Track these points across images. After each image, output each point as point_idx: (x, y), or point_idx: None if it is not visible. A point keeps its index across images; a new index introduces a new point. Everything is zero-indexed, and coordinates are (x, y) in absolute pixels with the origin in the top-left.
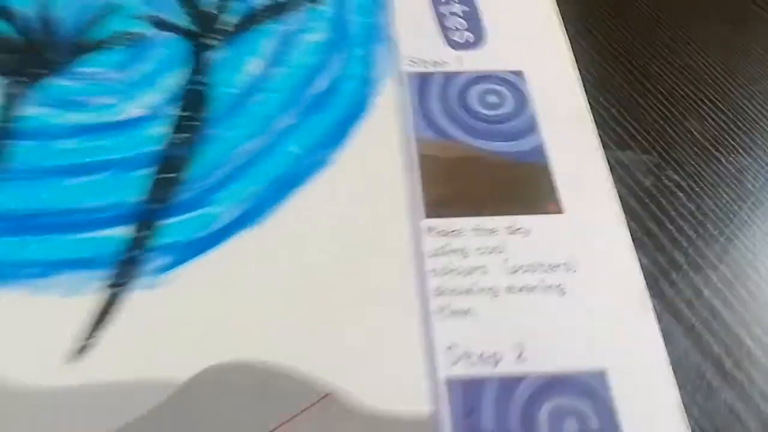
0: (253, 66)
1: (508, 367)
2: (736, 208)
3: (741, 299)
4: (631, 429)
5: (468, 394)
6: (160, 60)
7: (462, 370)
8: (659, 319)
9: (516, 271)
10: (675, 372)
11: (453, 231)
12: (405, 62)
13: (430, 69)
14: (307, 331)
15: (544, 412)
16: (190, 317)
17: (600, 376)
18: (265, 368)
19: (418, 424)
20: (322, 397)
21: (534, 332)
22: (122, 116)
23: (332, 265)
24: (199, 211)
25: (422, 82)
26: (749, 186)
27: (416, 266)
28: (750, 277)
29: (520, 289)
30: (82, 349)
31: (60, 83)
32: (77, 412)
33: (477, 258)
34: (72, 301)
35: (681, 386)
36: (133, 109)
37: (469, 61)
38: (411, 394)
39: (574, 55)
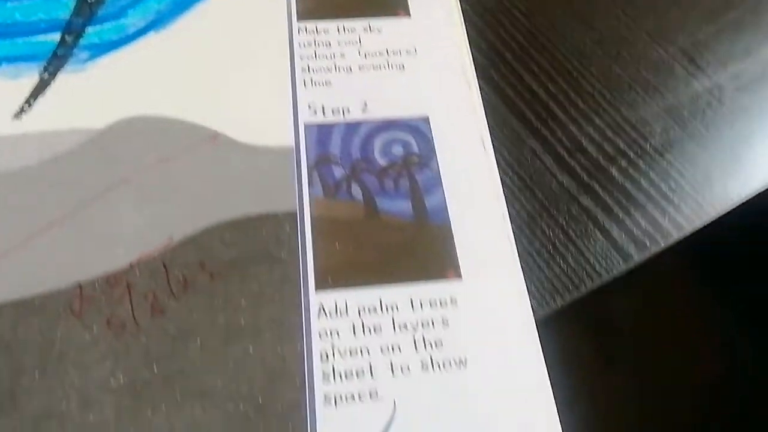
0: None
1: (353, 116)
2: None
3: (548, 72)
4: (443, 155)
5: (321, 133)
6: None
7: (317, 119)
8: (482, 90)
9: (367, 56)
10: (490, 129)
11: (321, 30)
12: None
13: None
14: (200, 93)
15: (378, 142)
16: (106, 89)
17: (424, 121)
18: (167, 119)
19: (284, 150)
20: (212, 137)
21: (376, 95)
22: None
23: (223, 53)
24: (116, 22)
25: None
26: None
27: (290, 53)
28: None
29: (369, 67)
30: (24, 109)
31: None
32: (19, 150)
33: (337, 48)
34: (16, 81)
35: (493, 135)
36: None
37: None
38: (279, 134)
39: None
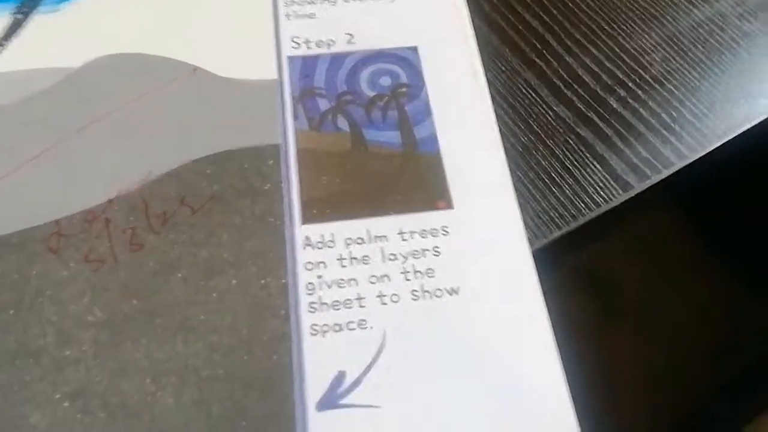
0: None
1: (339, 48)
2: None
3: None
4: (432, 85)
5: (305, 66)
6: None
7: (301, 52)
8: (474, 22)
9: None
10: (483, 62)
11: None
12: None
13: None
14: (178, 28)
15: (365, 73)
16: (82, 28)
17: (413, 51)
18: (145, 56)
19: (267, 84)
20: (194, 69)
21: (363, 26)
22: None
23: None
24: None
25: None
26: None
27: None
28: None
29: None
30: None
31: None
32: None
33: None
34: None
35: (486, 68)
36: None
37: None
38: (261, 67)
39: None
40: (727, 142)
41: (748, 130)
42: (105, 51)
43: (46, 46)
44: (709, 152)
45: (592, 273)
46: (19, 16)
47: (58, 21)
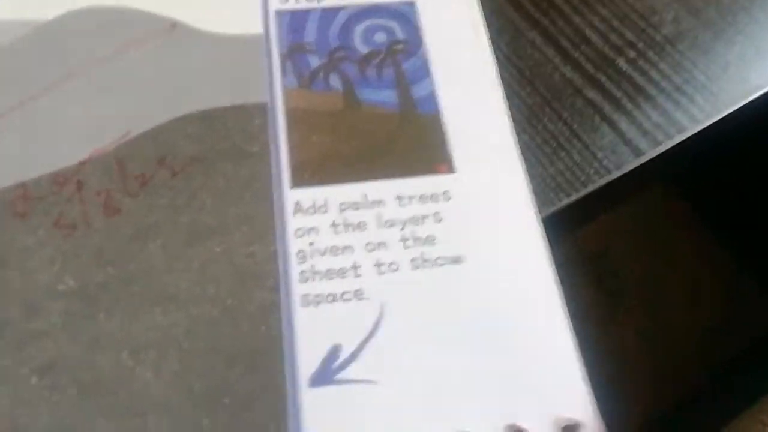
0: None
1: (330, 2)
2: None
3: None
4: (431, 42)
5: (294, 20)
6: None
7: (290, 6)
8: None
9: None
10: (486, 20)
11: None
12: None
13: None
14: None
15: (358, 28)
16: None
17: (410, 5)
18: (120, 9)
19: (253, 39)
20: (173, 24)
21: None
22: None
23: None
24: None
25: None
26: None
27: None
28: None
29: None
30: None
31: None
32: None
33: None
34: None
35: (489, 27)
36: None
37: None
38: (246, 21)
39: None
40: (742, 106)
41: (765, 94)
42: (77, 3)
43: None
44: (722, 118)
45: (589, 252)
46: None
47: None
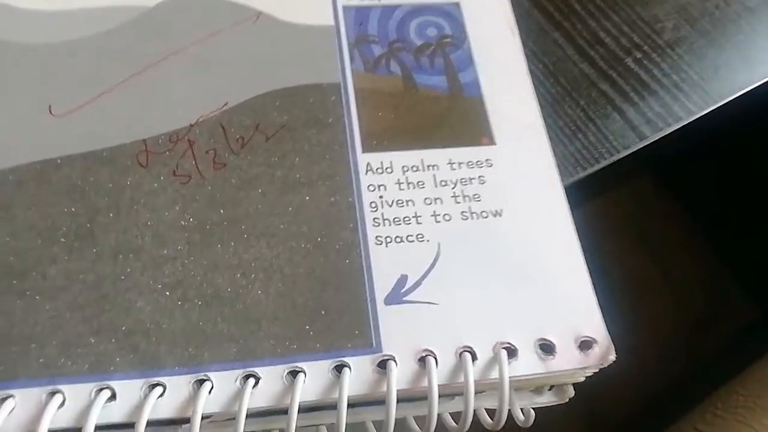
0: None
1: (388, 1)
2: None
3: None
4: (474, 37)
5: (359, 15)
6: None
7: (354, 2)
8: None
9: None
10: (517, 22)
11: None
12: None
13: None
14: None
15: (413, 24)
16: None
17: (456, 6)
18: (211, 0)
19: (325, 29)
20: (258, 14)
21: None
22: None
23: None
24: None
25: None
26: None
27: None
28: None
29: None
30: None
31: None
32: (73, 23)
33: None
34: None
35: (519, 27)
36: None
37: None
38: (319, 14)
39: None
40: (728, 102)
41: (747, 92)
42: None
43: None
44: (711, 111)
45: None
46: None
47: None
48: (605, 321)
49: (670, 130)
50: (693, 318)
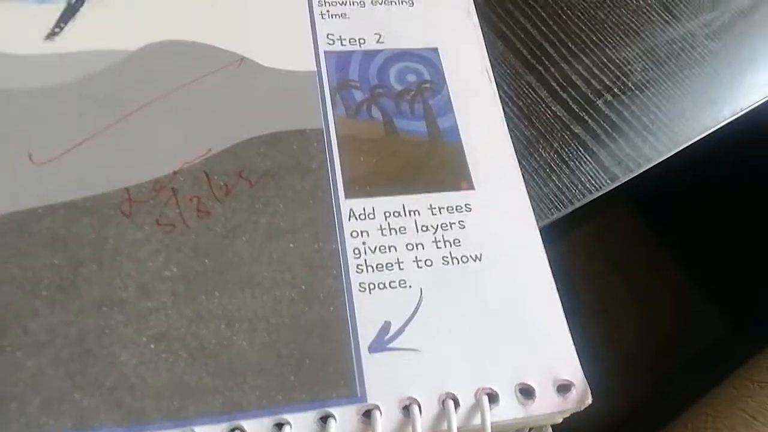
0: None
1: (369, 46)
2: None
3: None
4: (452, 83)
5: (340, 60)
6: None
7: (336, 48)
8: (483, 29)
9: None
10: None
11: None
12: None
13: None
14: (224, 20)
15: (393, 69)
16: (134, 16)
17: (434, 51)
18: (195, 44)
19: (307, 75)
20: (241, 59)
21: (389, 27)
22: None
23: None
24: None
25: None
26: None
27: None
28: None
29: (382, 2)
30: (55, 32)
31: None
32: (54, 68)
33: None
34: (41, 6)
35: (493, 70)
36: None
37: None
38: (301, 59)
39: None
40: (695, 141)
41: (713, 132)
42: (157, 37)
43: (101, 30)
44: (679, 152)
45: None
46: (73, 1)
47: (110, 8)
48: (577, 352)
49: (640, 171)
50: (661, 337)
